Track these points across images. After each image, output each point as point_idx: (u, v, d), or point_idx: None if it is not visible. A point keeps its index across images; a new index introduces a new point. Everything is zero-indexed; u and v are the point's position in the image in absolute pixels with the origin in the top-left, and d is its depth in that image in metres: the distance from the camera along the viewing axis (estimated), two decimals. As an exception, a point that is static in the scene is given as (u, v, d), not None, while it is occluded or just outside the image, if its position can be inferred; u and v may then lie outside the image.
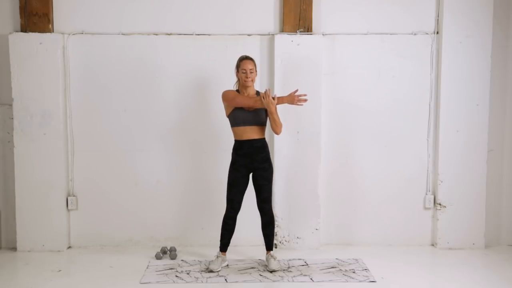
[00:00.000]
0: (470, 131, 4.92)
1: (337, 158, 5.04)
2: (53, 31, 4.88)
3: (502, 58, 4.98)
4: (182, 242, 5.05)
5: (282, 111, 4.81)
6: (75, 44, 4.91)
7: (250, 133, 4.32)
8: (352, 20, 4.97)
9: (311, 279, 4.20)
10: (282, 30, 4.93)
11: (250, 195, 4.46)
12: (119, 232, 5.04)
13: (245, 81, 4.32)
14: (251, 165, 4.36)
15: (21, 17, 4.83)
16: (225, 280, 4.20)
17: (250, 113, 4.31)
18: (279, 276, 4.27)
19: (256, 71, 4.38)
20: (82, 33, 4.91)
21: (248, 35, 4.95)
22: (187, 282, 4.15)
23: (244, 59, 4.36)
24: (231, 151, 4.43)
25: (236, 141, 4.39)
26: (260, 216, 4.45)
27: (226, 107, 4.39)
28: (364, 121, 5.02)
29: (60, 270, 4.43)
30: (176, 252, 4.73)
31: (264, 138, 4.39)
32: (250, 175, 4.43)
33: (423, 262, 4.67)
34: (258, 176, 4.37)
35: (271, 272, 4.34)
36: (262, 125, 4.36)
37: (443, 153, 4.94)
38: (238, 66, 4.37)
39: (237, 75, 4.40)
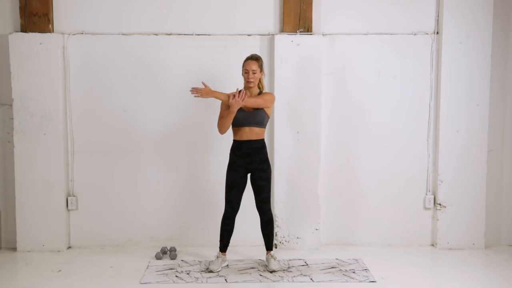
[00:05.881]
0: (470, 131, 4.92)
1: (337, 158, 5.04)
2: (53, 31, 4.87)
3: (502, 58, 4.98)
4: (182, 242, 5.04)
5: (282, 111, 4.82)
6: (75, 44, 4.91)
7: (250, 133, 4.30)
8: (352, 20, 4.96)
9: (311, 279, 4.20)
10: (282, 30, 4.93)
11: (249, 195, 4.46)
12: (119, 232, 5.04)
13: (247, 81, 4.31)
14: (250, 166, 4.35)
15: (21, 17, 4.83)
16: (225, 280, 4.20)
17: (249, 114, 4.29)
18: (279, 276, 4.27)
19: (262, 71, 4.35)
20: (82, 33, 4.91)
21: (248, 35, 4.95)
22: (187, 282, 4.15)
23: (248, 59, 4.32)
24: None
25: (235, 141, 4.38)
26: (259, 216, 4.45)
27: None
28: (364, 121, 5.02)
29: (60, 270, 4.43)
30: (176, 252, 4.73)
31: (263, 139, 4.37)
32: (248, 176, 4.42)
33: (423, 262, 4.67)
34: (257, 177, 4.37)
35: (271, 272, 4.33)
36: (261, 126, 4.34)
37: (443, 153, 4.94)
38: (243, 66, 4.35)
39: (242, 74, 4.39)
